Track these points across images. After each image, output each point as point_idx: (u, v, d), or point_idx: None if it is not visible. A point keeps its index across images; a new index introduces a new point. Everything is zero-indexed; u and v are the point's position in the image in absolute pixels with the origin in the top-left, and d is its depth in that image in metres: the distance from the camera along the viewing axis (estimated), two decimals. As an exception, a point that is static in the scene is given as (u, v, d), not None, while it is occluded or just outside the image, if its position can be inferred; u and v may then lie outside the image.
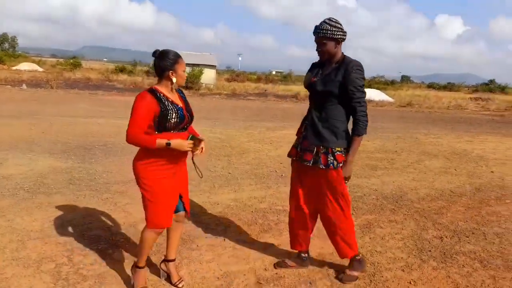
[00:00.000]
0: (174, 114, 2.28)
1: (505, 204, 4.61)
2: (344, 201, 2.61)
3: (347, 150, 2.57)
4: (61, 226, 3.37)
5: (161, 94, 2.30)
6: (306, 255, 2.89)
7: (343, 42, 2.57)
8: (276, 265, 2.87)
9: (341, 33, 2.51)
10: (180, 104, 2.38)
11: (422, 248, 3.31)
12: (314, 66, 2.76)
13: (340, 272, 2.77)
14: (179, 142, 2.29)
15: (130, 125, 2.24)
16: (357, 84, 2.51)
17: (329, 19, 2.52)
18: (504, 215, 4.23)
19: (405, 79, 73.55)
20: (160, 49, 2.34)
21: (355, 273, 2.73)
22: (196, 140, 2.35)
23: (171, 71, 2.30)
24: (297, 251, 2.90)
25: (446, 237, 3.57)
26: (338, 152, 2.54)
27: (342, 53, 2.61)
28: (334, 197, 2.61)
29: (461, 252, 3.26)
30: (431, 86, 56.37)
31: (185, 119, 2.37)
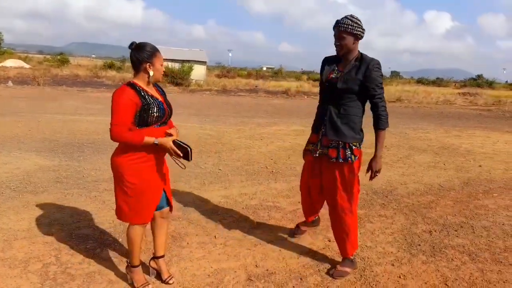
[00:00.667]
0: (155, 108, 2.24)
1: (493, 198, 4.68)
2: (354, 195, 2.73)
3: (360, 145, 2.76)
4: (48, 225, 3.32)
5: (141, 88, 2.25)
6: (317, 216, 3.32)
7: (360, 40, 2.65)
8: (292, 235, 3.28)
9: (360, 30, 2.59)
10: (160, 98, 2.34)
11: (411, 242, 3.34)
12: (328, 60, 2.80)
13: (331, 268, 2.80)
14: (165, 141, 2.26)
15: (113, 121, 2.17)
16: (378, 82, 2.63)
17: (351, 15, 2.60)
18: (491, 208, 4.29)
19: (394, 75, 74.17)
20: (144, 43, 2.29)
21: (347, 269, 2.76)
22: (180, 148, 2.29)
23: (148, 64, 2.24)
24: (310, 221, 3.26)
25: (435, 231, 3.60)
26: (354, 147, 2.70)
27: (359, 50, 2.68)
28: (346, 190, 2.71)
29: (450, 245, 3.30)
30: (420, 81, 56.84)
31: (166, 112, 2.33)
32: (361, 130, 2.76)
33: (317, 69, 2.97)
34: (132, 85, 2.24)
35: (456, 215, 4.03)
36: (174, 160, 2.42)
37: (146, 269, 2.66)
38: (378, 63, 2.62)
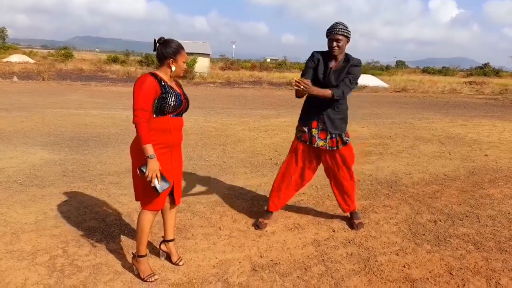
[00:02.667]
0: (173, 97, 2.34)
1: (499, 187, 4.65)
2: (351, 167, 3.27)
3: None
4: (55, 218, 3.36)
5: (161, 78, 2.36)
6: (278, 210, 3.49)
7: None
8: (256, 227, 3.32)
9: (350, 33, 3.02)
10: (178, 91, 2.44)
11: (416, 232, 3.34)
12: (319, 56, 3.10)
13: (351, 224, 3.39)
14: (155, 165, 2.25)
15: (135, 107, 2.24)
16: (354, 73, 3.03)
17: (340, 22, 3.00)
18: (497, 197, 4.27)
19: (400, 64, 73.40)
20: (156, 37, 2.40)
21: (361, 220, 3.44)
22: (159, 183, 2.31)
23: (171, 59, 2.36)
24: (271, 212, 3.41)
25: (440, 220, 3.59)
26: (346, 131, 3.22)
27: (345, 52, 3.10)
28: (347, 166, 3.24)
29: (455, 235, 3.29)
30: (426, 70, 56.28)
31: (183, 104, 2.42)
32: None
33: None
34: (153, 75, 2.35)
35: (461, 205, 4.02)
36: (147, 179, 2.32)
37: (153, 259, 2.69)
38: (359, 61, 3.09)
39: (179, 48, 2.37)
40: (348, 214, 3.49)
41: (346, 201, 3.38)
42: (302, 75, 3.11)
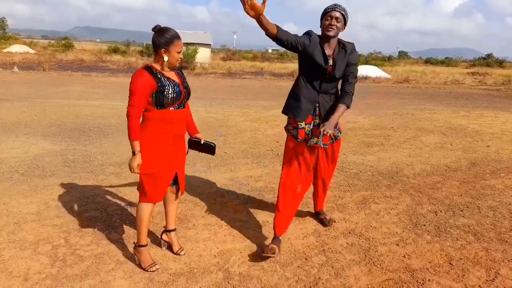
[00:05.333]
0: (171, 90, 2.32)
1: (500, 178, 4.64)
2: (336, 163, 3.08)
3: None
4: (57, 208, 3.38)
5: (157, 71, 2.33)
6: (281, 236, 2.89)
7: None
8: (262, 258, 2.69)
9: (348, 18, 2.67)
10: (177, 80, 2.40)
11: (416, 222, 3.34)
12: (317, 39, 2.65)
13: (322, 220, 3.25)
14: (137, 159, 2.29)
15: (129, 103, 2.27)
16: (356, 61, 2.76)
17: (338, 4, 2.65)
18: (498, 188, 4.27)
19: (402, 55, 72.91)
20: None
21: (331, 216, 3.32)
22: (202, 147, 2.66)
23: (163, 49, 2.30)
24: (279, 236, 2.82)
25: (441, 211, 3.60)
26: (338, 125, 2.88)
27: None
28: (334, 163, 3.03)
29: (455, 225, 3.30)
30: (428, 61, 55.87)
31: (182, 94, 2.40)
32: None
33: None
34: (148, 68, 2.32)
35: (462, 196, 4.02)
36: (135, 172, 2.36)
37: (154, 248, 2.71)
38: (353, 45, 2.77)
39: (173, 38, 2.29)
40: (317, 211, 3.34)
41: (320, 198, 3.23)
42: (304, 70, 2.71)
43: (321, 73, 2.66)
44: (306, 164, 2.86)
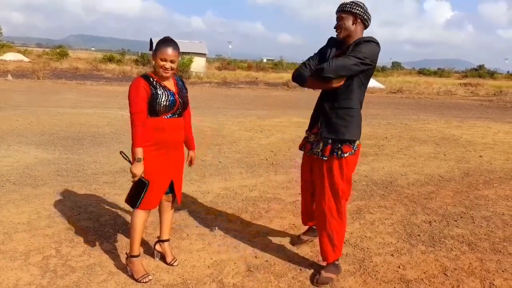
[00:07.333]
0: (164, 98, 2.33)
1: (493, 188, 4.67)
2: (340, 195, 2.47)
3: (355, 143, 2.44)
4: (48, 218, 3.33)
5: (154, 79, 2.36)
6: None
7: (366, 28, 2.45)
8: (293, 242, 3.02)
9: (361, 10, 2.36)
10: (173, 89, 2.42)
11: (411, 232, 3.34)
12: (335, 43, 2.50)
13: (315, 273, 2.59)
14: (138, 166, 2.29)
15: (131, 110, 2.28)
16: (359, 49, 2.30)
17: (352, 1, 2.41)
18: (492, 198, 4.29)
19: (395, 65, 73.79)
20: (152, 36, 2.43)
21: (332, 275, 2.53)
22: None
23: (152, 56, 2.40)
24: (309, 225, 3.02)
25: (435, 221, 3.60)
26: (345, 143, 2.42)
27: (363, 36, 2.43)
28: (332, 189, 2.47)
29: (450, 236, 3.30)
30: (421, 72, 56.61)
31: (176, 104, 2.39)
32: (359, 126, 2.46)
33: None
34: (145, 76, 2.37)
35: (456, 206, 4.03)
36: (124, 157, 2.52)
37: (147, 259, 2.67)
38: (370, 37, 2.35)
39: (158, 45, 2.32)
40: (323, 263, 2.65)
41: (324, 244, 2.55)
42: (308, 59, 2.52)
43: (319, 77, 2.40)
44: (306, 171, 2.75)
